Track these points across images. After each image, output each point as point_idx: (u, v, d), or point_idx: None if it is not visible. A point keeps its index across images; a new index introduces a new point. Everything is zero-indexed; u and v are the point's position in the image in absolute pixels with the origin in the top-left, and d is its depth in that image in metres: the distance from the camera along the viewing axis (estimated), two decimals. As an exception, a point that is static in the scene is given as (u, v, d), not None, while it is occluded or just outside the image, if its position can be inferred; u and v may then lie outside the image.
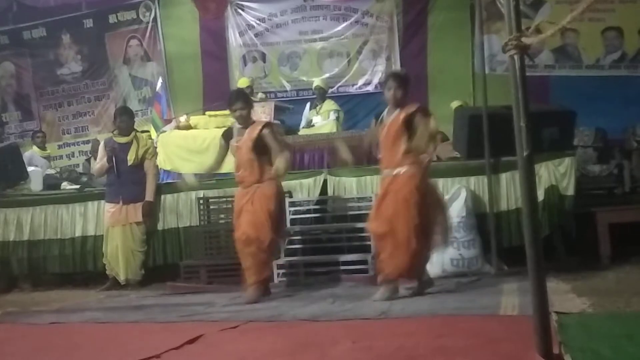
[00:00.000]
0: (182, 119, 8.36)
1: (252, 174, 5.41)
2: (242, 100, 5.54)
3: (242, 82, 9.06)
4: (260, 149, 5.41)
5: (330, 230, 6.58)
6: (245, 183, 5.45)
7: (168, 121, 8.88)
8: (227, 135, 5.66)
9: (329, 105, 9.06)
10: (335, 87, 9.98)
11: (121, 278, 6.76)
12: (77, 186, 7.84)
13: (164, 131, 8.35)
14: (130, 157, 6.79)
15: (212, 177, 6.73)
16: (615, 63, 9.25)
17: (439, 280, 5.77)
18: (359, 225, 6.36)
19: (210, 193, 6.93)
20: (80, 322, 4.68)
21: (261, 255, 5.31)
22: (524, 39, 2.55)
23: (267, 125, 5.56)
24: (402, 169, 4.91)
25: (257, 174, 5.40)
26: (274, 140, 5.43)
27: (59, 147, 11.02)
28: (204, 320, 4.39)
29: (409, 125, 4.96)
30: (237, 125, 5.61)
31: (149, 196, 6.86)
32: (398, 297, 4.88)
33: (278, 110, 8.21)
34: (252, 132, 5.44)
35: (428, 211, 4.94)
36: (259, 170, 5.40)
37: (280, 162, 5.28)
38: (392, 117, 5.05)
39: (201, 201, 6.85)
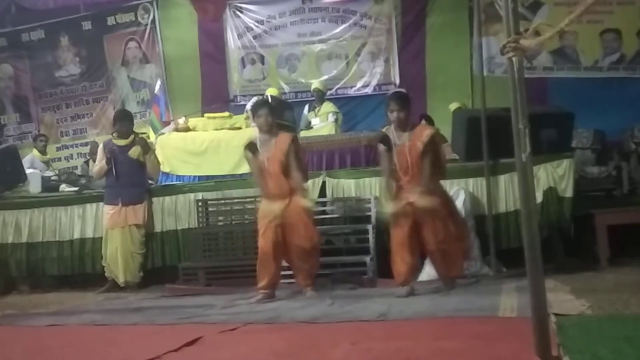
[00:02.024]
0: (181, 121, 8.36)
1: (281, 187, 5.43)
2: (268, 107, 5.62)
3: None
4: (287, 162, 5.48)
5: (329, 232, 6.58)
6: (274, 195, 5.46)
7: (166, 123, 8.88)
8: (252, 147, 5.57)
9: (328, 107, 9.07)
10: (333, 89, 9.99)
11: (120, 280, 6.76)
12: (76, 188, 7.83)
13: (163, 133, 8.35)
14: (133, 154, 6.81)
15: (210, 179, 6.75)
16: (613, 65, 9.26)
17: (438, 282, 5.78)
18: (358, 227, 6.38)
19: (209, 195, 6.93)
20: (79, 325, 4.67)
21: (313, 260, 5.53)
22: (522, 41, 2.55)
23: (294, 140, 5.58)
24: (430, 198, 5.13)
25: (286, 186, 5.43)
26: (296, 158, 5.49)
27: (58, 149, 11.00)
28: (202, 322, 4.38)
29: (427, 150, 5.15)
30: (258, 136, 5.58)
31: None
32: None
33: (280, 110, 8.19)
34: (282, 146, 5.46)
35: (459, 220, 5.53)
36: (287, 183, 5.44)
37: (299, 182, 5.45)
38: (407, 144, 5.19)
39: (200, 203, 6.85)
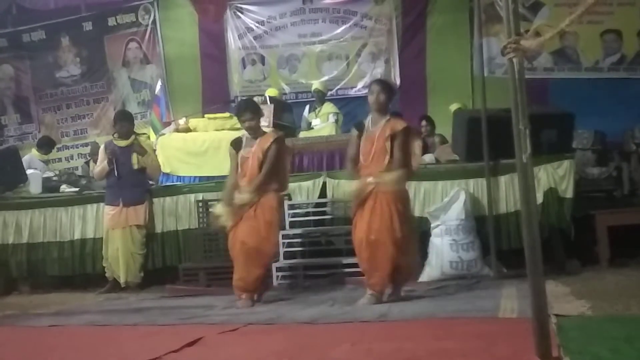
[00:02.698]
0: (181, 121, 8.36)
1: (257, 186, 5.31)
2: (251, 110, 5.42)
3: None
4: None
5: (330, 233, 6.59)
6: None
7: (167, 124, 8.88)
8: (237, 144, 5.50)
9: (328, 107, 9.07)
10: (334, 90, 10.01)
11: (121, 280, 6.76)
12: (76, 189, 7.83)
13: (163, 134, 8.35)
14: (134, 161, 6.80)
15: (211, 180, 6.74)
16: (614, 65, 9.26)
17: (438, 282, 5.79)
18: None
19: (210, 196, 6.93)
20: (79, 325, 4.67)
21: (255, 264, 5.23)
22: (522, 42, 2.55)
23: (277, 140, 5.39)
24: (387, 178, 4.82)
25: (263, 185, 5.29)
26: (272, 159, 5.29)
27: (58, 149, 10.99)
28: (203, 322, 4.38)
29: (393, 141, 4.94)
30: (246, 134, 5.50)
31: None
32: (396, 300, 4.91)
33: (278, 111, 8.20)
34: (262, 144, 5.34)
35: (410, 224, 5.07)
36: (264, 182, 5.29)
37: (244, 191, 5.23)
38: (379, 129, 5.01)
39: (200, 204, 6.85)
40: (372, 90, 5.11)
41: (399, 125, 5.01)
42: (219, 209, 5.41)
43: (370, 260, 4.88)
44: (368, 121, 5.17)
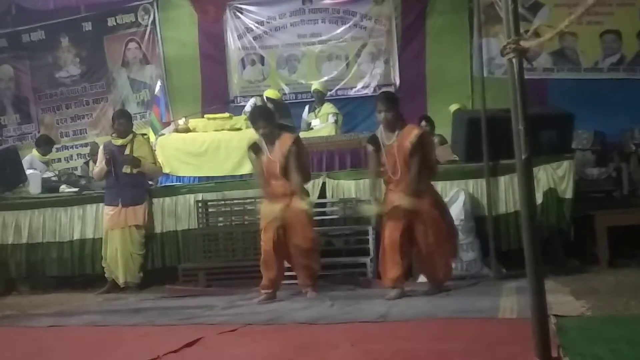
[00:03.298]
0: (181, 122, 8.37)
1: (282, 188, 5.43)
2: (264, 117, 5.56)
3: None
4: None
5: (329, 233, 6.58)
6: (275, 196, 5.45)
7: (167, 124, 8.89)
8: (255, 148, 5.57)
9: (328, 108, 9.07)
10: (333, 90, 10.00)
11: (120, 281, 6.76)
12: (76, 189, 7.83)
13: (163, 134, 8.36)
14: (126, 171, 6.78)
15: (210, 180, 6.74)
16: (613, 66, 9.27)
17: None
18: (358, 228, 6.38)
19: (209, 196, 6.93)
20: (79, 325, 4.67)
21: (314, 262, 5.52)
22: (522, 43, 2.55)
23: (295, 141, 5.51)
24: (416, 200, 5.07)
25: (287, 188, 5.42)
26: (296, 159, 5.43)
27: (57, 149, 10.98)
28: (202, 323, 4.38)
29: (413, 153, 5.10)
30: (263, 139, 5.57)
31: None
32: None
33: (277, 112, 8.20)
34: (282, 147, 5.44)
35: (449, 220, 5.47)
36: (287, 185, 5.42)
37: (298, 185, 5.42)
38: (395, 144, 5.14)
39: (200, 204, 6.85)
40: (379, 110, 5.20)
41: (413, 136, 5.13)
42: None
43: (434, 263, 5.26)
44: (380, 134, 5.28)
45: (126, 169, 6.78)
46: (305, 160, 5.80)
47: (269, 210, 5.48)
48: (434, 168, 5.39)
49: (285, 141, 5.47)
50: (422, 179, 5.16)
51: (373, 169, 5.39)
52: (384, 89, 9.43)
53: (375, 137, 5.31)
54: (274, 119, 5.70)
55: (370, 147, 5.33)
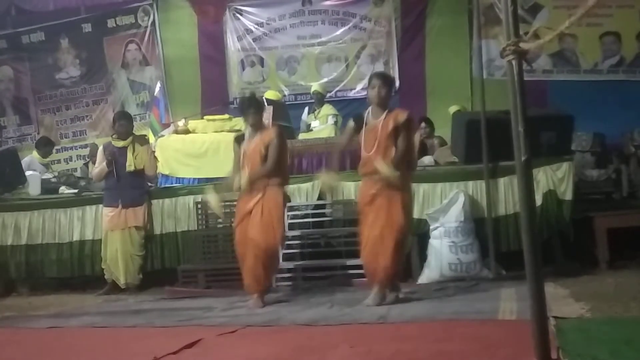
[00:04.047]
0: (181, 123, 8.35)
1: (260, 179, 5.36)
2: (254, 105, 5.56)
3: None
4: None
5: (329, 235, 6.58)
6: (253, 188, 5.37)
7: (166, 125, 8.87)
8: (240, 139, 5.61)
9: (327, 109, 9.06)
10: (333, 92, 9.99)
11: (120, 282, 6.76)
12: (75, 190, 7.83)
13: (162, 135, 8.34)
14: (130, 164, 6.80)
15: (210, 182, 6.72)
16: (613, 68, 9.26)
17: (437, 284, 5.79)
18: (357, 229, 6.36)
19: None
20: (78, 327, 4.67)
21: (266, 262, 5.27)
22: (522, 44, 2.55)
23: (278, 134, 5.47)
24: (393, 174, 4.86)
25: (266, 179, 5.35)
26: (274, 151, 5.35)
27: (57, 151, 10.97)
28: (202, 324, 4.39)
29: (398, 133, 4.97)
30: (249, 130, 5.58)
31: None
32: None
33: (277, 113, 8.20)
34: (264, 137, 5.42)
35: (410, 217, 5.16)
36: (267, 176, 5.35)
37: (244, 176, 5.29)
38: (381, 121, 5.02)
39: (199, 205, 6.84)
40: (373, 85, 5.11)
41: (402, 116, 5.03)
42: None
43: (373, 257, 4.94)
44: (367, 114, 5.18)
45: (130, 168, 6.78)
46: (285, 157, 5.61)
47: (241, 205, 5.42)
48: (413, 158, 5.26)
49: (269, 132, 5.48)
50: (400, 166, 4.93)
51: (343, 141, 5.36)
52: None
53: (360, 115, 5.25)
54: (262, 108, 5.72)
55: (351, 123, 5.25)
